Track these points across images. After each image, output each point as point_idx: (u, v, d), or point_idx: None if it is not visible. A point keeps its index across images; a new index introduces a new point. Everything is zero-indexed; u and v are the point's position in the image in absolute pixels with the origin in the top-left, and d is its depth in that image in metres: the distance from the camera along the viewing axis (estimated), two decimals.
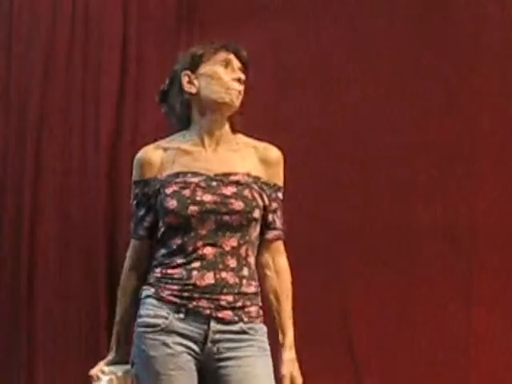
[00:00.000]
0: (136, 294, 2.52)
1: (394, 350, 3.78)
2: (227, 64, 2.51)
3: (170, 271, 2.44)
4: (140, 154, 2.56)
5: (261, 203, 2.47)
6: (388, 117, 3.86)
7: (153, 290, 2.46)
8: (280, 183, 2.55)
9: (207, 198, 2.42)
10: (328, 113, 3.94)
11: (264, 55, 3.98)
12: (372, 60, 3.89)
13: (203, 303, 2.39)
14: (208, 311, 2.39)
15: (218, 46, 2.52)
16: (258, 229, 2.49)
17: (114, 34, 4.33)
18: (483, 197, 3.72)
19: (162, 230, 2.47)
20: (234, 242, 2.43)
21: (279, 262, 2.54)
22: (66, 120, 4.38)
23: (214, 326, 2.40)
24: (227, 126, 2.54)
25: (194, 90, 2.51)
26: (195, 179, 2.45)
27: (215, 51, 2.51)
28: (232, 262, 2.42)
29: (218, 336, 2.40)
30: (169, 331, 2.41)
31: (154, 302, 2.44)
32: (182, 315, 2.40)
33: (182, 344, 2.40)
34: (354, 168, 3.90)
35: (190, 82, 2.51)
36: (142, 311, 2.47)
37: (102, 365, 2.52)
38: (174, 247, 2.44)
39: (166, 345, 2.40)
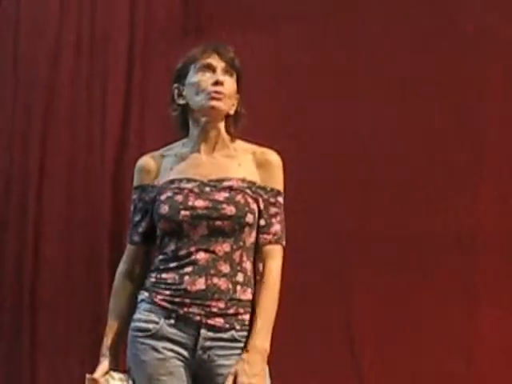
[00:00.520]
0: (129, 299, 2.52)
1: (398, 354, 3.77)
2: (207, 68, 2.49)
3: (164, 276, 2.44)
4: (139, 161, 2.60)
5: (255, 208, 2.45)
6: (392, 121, 3.85)
7: (147, 294, 2.47)
8: (279, 187, 2.53)
9: (199, 203, 2.42)
10: (331, 117, 3.93)
11: (268, 64, 4.00)
12: (376, 65, 3.88)
13: (194, 309, 2.39)
14: (198, 318, 2.38)
15: (199, 52, 2.52)
16: (253, 234, 2.47)
17: (120, 44, 4.35)
18: (486, 200, 3.71)
19: (159, 236, 2.49)
20: (226, 248, 2.42)
21: (269, 266, 2.47)
22: (71, 126, 4.40)
23: (204, 333, 2.39)
24: (223, 132, 2.54)
25: (183, 102, 2.53)
26: (189, 185, 2.46)
27: (196, 59, 2.51)
28: (225, 268, 2.41)
29: (208, 343, 2.39)
30: (159, 336, 2.41)
31: (147, 306, 2.45)
32: (172, 321, 2.40)
33: (171, 349, 2.40)
34: (358, 174, 3.88)
35: (179, 94, 2.54)
36: (135, 315, 2.48)
37: (104, 367, 2.50)
38: (169, 252, 2.45)
39: (155, 350, 2.41)
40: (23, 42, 4.53)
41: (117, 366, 2.53)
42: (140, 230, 2.55)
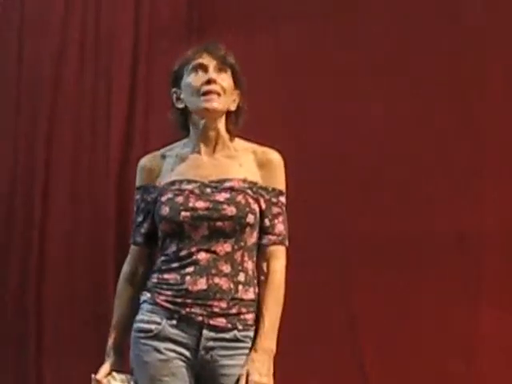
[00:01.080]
0: (132, 300, 2.53)
1: (400, 353, 3.76)
2: (199, 68, 2.48)
3: (165, 276, 2.44)
4: (141, 162, 2.61)
5: (256, 209, 2.45)
6: (393, 121, 3.84)
7: (149, 295, 2.47)
8: (281, 187, 2.52)
9: (200, 204, 2.42)
10: (332, 116, 3.92)
11: (269, 63, 4.00)
12: (376, 65, 3.87)
13: (196, 310, 2.39)
14: (200, 318, 2.39)
15: (191, 54, 2.52)
16: (255, 235, 2.47)
17: (124, 42, 4.35)
18: (488, 200, 3.69)
19: (161, 237, 2.49)
20: (228, 248, 2.42)
21: (273, 266, 2.48)
22: (76, 125, 4.41)
23: (206, 333, 2.39)
24: (223, 132, 2.53)
25: (182, 105, 2.53)
26: (189, 186, 2.46)
27: (188, 60, 2.50)
28: (226, 268, 2.41)
29: (210, 343, 2.39)
30: (161, 337, 2.41)
31: (149, 307, 2.46)
32: (174, 321, 2.41)
33: (174, 350, 2.40)
34: (359, 173, 3.87)
35: (178, 98, 2.53)
36: (138, 316, 2.48)
37: (106, 368, 2.51)
38: (170, 253, 2.45)
39: (157, 351, 2.41)
40: (28, 41, 4.53)
41: (120, 366, 2.54)
42: (142, 230, 2.55)
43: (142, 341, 2.44)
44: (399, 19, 3.85)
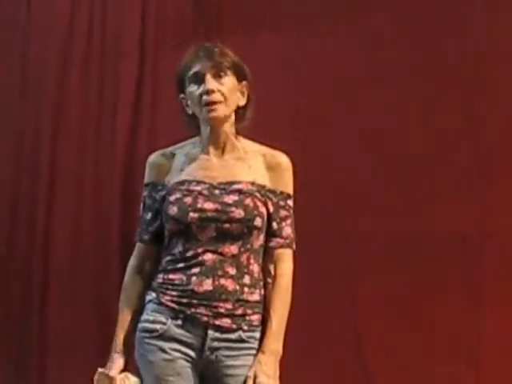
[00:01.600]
0: (139, 296, 2.52)
1: (405, 356, 3.76)
2: (196, 78, 2.46)
3: (171, 276, 2.45)
4: (150, 158, 2.59)
5: (264, 212, 2.45)
6: (398, 124, 3.85)
7: (154, 294, 2.47)
8: (289, 190, 2.53)
9: (208, 205, 2.42)
10: (337, 118, 3.93)
11: (276, 62, 3.99)
12: (385, 66, 3.87)
13: (201, 310, 2.39)
14: (206, 318, 2.39)
15: (188, 61, 2.49)
16: (261, 237, 2.48)
17: (131, 42, 4.35)
18: (493, 201, 3.70)
19: (167, 237, 2.49)
20: (234, 250, 2.42)
21: (280, 269, 2.49)
22: (81, 126, 4.41)
23: (211, 333, 2.39)
24: (231, 134, 2.52)
25: (191, 111, 2.53)
26: (198, 187, 2.46)
27: (186, 69, 2.49)
28: (232, 270, 2.41)
29: (215, 344, 2.40)
30: (166, 337, 2.41)
31: (155, 307, 2.46)
32: (179, 321, 2.41)
33: (179, 350, 2.41)
34: (362, 175, 3.88)
35: (186, 104, 2.53)
36: (143, 316, 2.48)
37: (120, 365, 2.50)
38: (177, 253, 2.45)
39: (162, 350, 2.41)
40: (33, 40, 4.53)
41: (127, 363, 2.53)
42: (150, 229, 2.54)
43: (147, 340, 2.44)
44: (402, 20, 3.87)
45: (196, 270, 2.40)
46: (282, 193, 2.51)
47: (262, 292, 2.47)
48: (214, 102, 2.44)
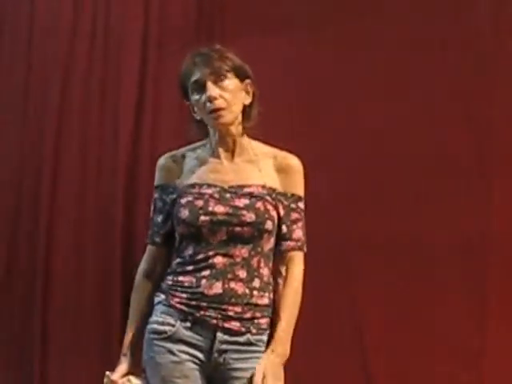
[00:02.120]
0: (150, 298, 2.53)
1: (405, 357, 3.78)
2: (197, 86, 2.46)
3: (180, 278, 2.45)
4: (161, 160, 2.59)
5: (274, 215, 2.46)
6: (400, 126, 3.87)
7: (163, 296, 2.48)
8: (299, 193, 2.53)
9: (219, 209, 2.43)
10: (341, 122, 3.95)
11: (280, 63, 4.00)
12: (391, 67, 3.91)
13: (210, 313, 2.40)
14: (215, 321, 2.40)
15: (187, 69, 2.48)
16: (272, 241, 2.49)
17: (134, 44, 4.36)
18: (495, 202, 3.72)
19: (177, 239, 2.50)
20: (245, 253, 2.43)
21: (291, 272, 2.50)
22: (84, 128, 4.41)
23: (220, 336, 2.40)
24: (240, 136, 2.52)
25: (198, 118, 2.53)
26: (209, 190, 2.46)
27: (187, 77, 2.48)
28: (242, 273, 2.42)
29: (224, 346, 2.41)
30: (175, 339, 2.42)
31: (164, 308, 2.46)
32: (188, 324, 2.42)
33: (187, 352, 2.42)
34: (366, 175, 3.90)
35: (193, 111, 2.53)
36: (152, 318, 2.49)
37: (124, 369, 2.50)
38: (187, 256, 2.46)
39: (171, 352, 2.42)
40: (37, 43, 4.53)
41: (134, 365, 2.53)
42: (162, 231, 2.55)
43: (156, 342, 2.45)
44: (403, 21, 3.89)
45: (206, 272, 2.41)
46: (293, 195, 2.51)
47: (272, 296, 2.48)
48: (218, 109, 2.44)
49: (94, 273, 4.33)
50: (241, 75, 2.49)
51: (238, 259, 2.42)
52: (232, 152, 2.52)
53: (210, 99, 2.43)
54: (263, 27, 4.08)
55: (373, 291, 3.84)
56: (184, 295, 2.43)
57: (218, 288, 2.40)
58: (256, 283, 2.44)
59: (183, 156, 2.57)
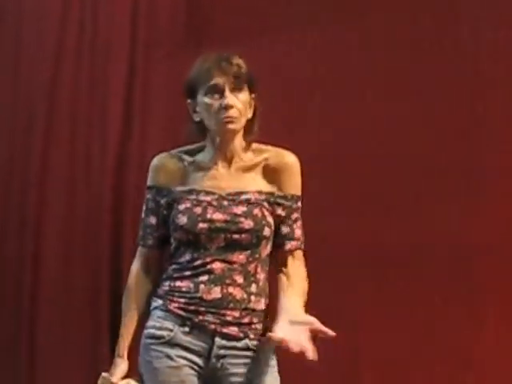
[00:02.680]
0: (143, 300, 2.54)
1: (402, 364, 3.78)
2: (215, 90, 2.46)
3: (178, 284, 2.47)
4: (155, 160, 2.58)
5: (271, 221, 2.48)
6: (393, 135, 3.86)
7: (161, 301, 2.49)
8: (297, 192, 2.55)
9: (217, 216, 2.45)
10: (339, 127, 3.94)
11: (269, 68, 4.00)
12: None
13: (209, 318, 2.42)
14: (213, 326, 2.42)
15: (205, 71, 2.47)
16: (269, 247, 2.51)
17: (121, 50, 4.34)
18: (491, 211, 3.72)
19: (173, 245, 2.51)
20: (243, 259, 2.45)
21: (297, 265, 2.53)
22: (72, 131, 4.39)
23: (218, 341, 2.42)
24: (240, 146, 2.53)
25: (198, 119, 2.53)
26: (207, 198, 2.48)
27: (203, 79, 2.47)
28: (239, 278, 2.45)
29: (222, 351, 2.43)
30: (173, 344, 2.44)
31: (161, 313, 2.47)
32: (187, 329, 2.43)
33: (185, 357, 2.43)
34: (362, 184, 3.90)
35: (194, 110, 2.53)
36: (149, 322, 2.50)
37: (123, 371, 2.51)
38: (184, 262, 2.47)
39: (169, 357, 2.43)
40: (24, 46, 4.50)
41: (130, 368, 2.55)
42: (156, 234, 2.55)
43: (153, 347, 2.46)
44: (402, 20, 3.88)
45: (204, 277, 2.43)
46: (292, 196, 2.54)
47: (267, 301, 2.51)
48: (233, 117, 2.45)
49: (82, 273, 4.31)
50: (251, 88, 2.52)
51: (236, 265, 2.45)
52: (230, 160, 2.53)
53: (227, 107, 2.44)
54: (252, 32, 4.05)
55: (369, 298, 3.83)
56: (182, 300, 2.45)
57: (216, 293, 2.43)
58: (253, 288, 2.47)
59: (179, 158, 2.56)
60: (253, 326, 2.46)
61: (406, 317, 3.78)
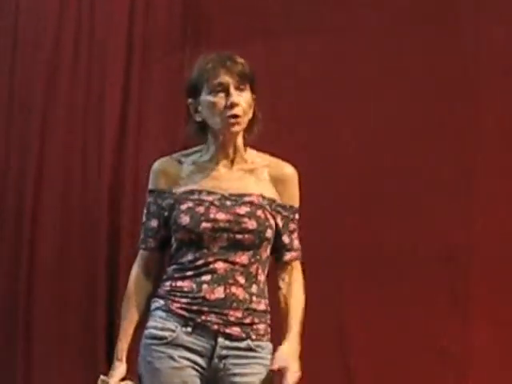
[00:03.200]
0: (143, 306, 2.53)
1: (391, 367, 3.80)
2: (219, 88, 2.45)
3: (179, 284, 2.46)
4: (156, 164, 2.58)
5: (273, 224, 2.49)
6: (390, 140, 3.88)
7: (162, 302, 2.48)
8: (296, 204, 2.56)
9: (221, 216, 2.44)
10: (339, 127, 3.96)
11: (267, 71, 4.01)
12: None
13: (212, 318, 2.41)
14: (216, 326, 2.41)
15: (209, 70, 2.46)
16: (268, 249, 2.51)
17: (118, 51, 4.34)
18: (481, 213, 3.75)
19: (175, 245, 2.50)
20: (245, 260, 2.45)
21: (297, 277, 2.55)
22: (69, 131, 4.38)
23: (221, 341, 2.42)
24: (241, 146, 2.53)
25: (200, 119, 2.52)
26: (210, 197, 2.47)
27: (207, 78, 2.46)
28: (241, 279, 2.44)
29: (224, 352, 2.42)
30: (175, 344, 2.43)
31: (163, 314, 2.46)
32: (189, 329, 2.42)
33: (187, 358, 2.42)
34: (354, 187, 3.91)
35: (195, 110, 2.52)
36: (150, 323, 2.49)
37: (121, 373, 2.50)
38: (186, 262, 2.46)
39: (171, 358, 2.42)
40: (20, 49, 4.49)
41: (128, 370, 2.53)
42: (157, 236, 2.54)
43: (155, 348, 2.45)
44: (401, 21, 3.90)
45: (207, 277, 2.43)
46: (291, 207, 2.55)
47: (267, 302, 2.51)
48: (237, 116, 2.45)
49: (78, 275, 4.30)
50: (253, 89, 2.52)
51: (238, 266, 2.44)
52: (231, 161, 2.53)
53: (233, 105, 2.44)
54: (249, 33, 4.05)
55: (357, 300, 3.85)
56: (184, 300, 2.44)
57: (219, 293, 2.42)
58: (254, 289, 2.46)
59: (179, 161, 2.56)
60: (254, 327, 2.46)
61: (407, 317, 3.79)
